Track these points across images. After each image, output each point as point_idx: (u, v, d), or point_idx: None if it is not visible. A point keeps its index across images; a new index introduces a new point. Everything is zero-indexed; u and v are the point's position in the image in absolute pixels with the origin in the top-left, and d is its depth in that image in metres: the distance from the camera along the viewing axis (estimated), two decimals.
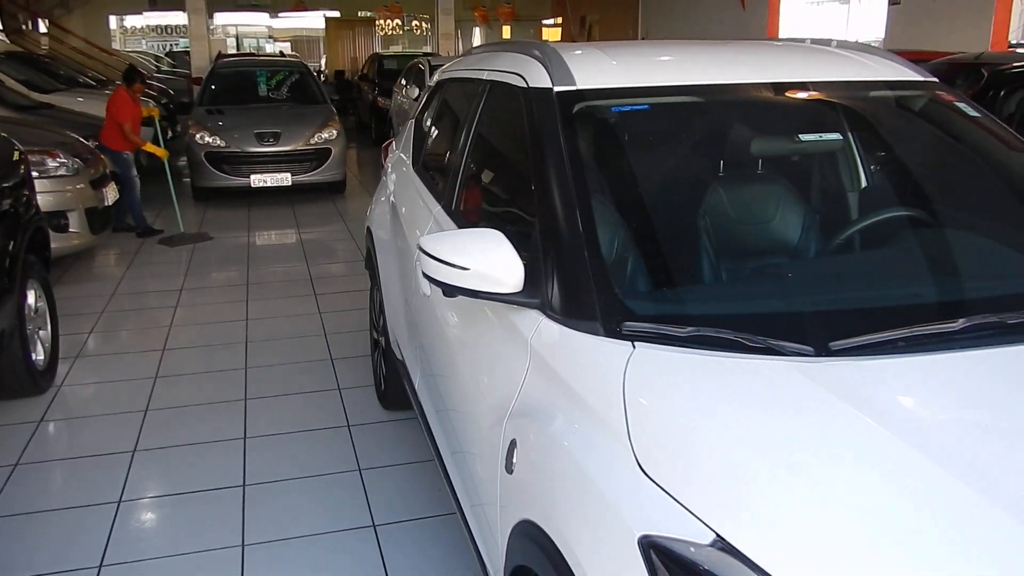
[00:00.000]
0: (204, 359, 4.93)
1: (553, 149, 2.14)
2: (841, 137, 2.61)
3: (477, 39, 28.83)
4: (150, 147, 8.03)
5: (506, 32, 27.63)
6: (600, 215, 2.02)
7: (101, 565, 2.95)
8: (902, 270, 2.12)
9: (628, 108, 2.34)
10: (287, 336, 5.27)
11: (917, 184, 2.49)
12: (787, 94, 2.44)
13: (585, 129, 2.30)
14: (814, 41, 2.93)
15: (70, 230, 6.39)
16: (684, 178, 2.40)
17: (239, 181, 9.38)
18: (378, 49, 23.51)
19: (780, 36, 15.82)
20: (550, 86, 2.34)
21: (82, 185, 6.56)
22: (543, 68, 2.43)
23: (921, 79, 2.59)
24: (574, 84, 2.34)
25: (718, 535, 1.29)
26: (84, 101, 10.83)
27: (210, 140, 9.37)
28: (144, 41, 34.95)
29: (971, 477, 1.31)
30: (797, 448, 1.41)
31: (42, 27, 24.28)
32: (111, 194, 7.03)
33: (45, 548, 3.06)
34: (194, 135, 9.46)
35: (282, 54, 18.09)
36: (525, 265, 1.94)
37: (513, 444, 1.83)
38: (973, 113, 2.51)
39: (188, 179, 9.96)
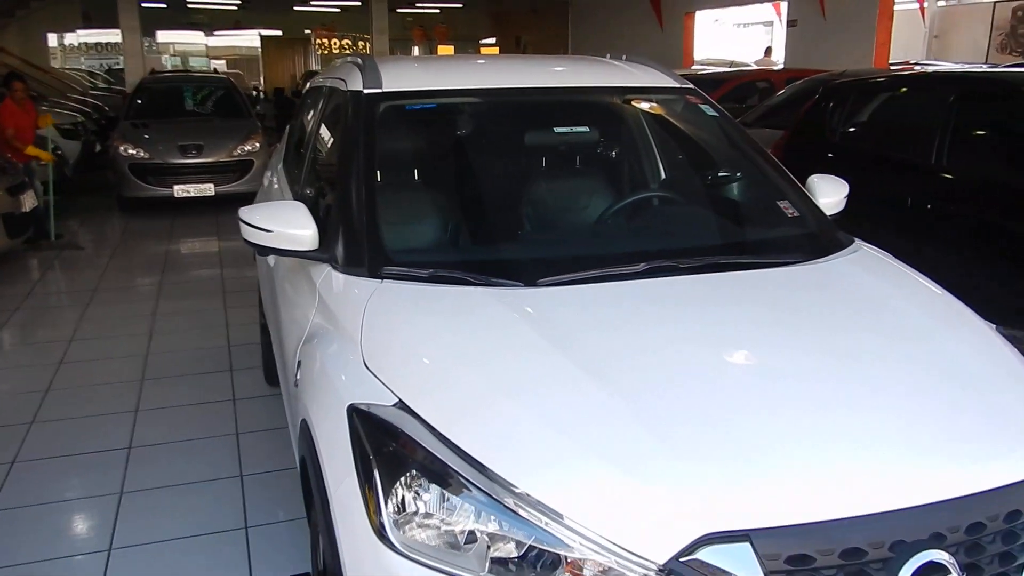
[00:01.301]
0: (106, 351, 5.33)
1: (352, 139, 2.67)
2: (589, 129, 3.17)
3: None
4: (33, 150, 7.98)
5: (443, 51, 28.24)
6: (383, 190, 2.54)
7: None
8: (617, 232, 2.69)
9: (419, 106, 2.87)
10: (191, 328, 5.69)
11: (650, 165, 3.07)
12: (554, 96, 3.00)
13: (388, 123, 2.82)
14: (612, 57, 3.51)
15: None
16: (459, 161, 2.95)
17: (163, 192, 9.74)
18: (315, 67, 23.92)
19: (694, 54, 16.66)
20: (361, 89, 2.86)
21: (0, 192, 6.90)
22: (359, 74, 2.95)
23: (677, 86, 3.16)
24: (381, 87, 2.86)
25: (400, 399, 1.81)
26: None
27: (134, 152, 9.72)
28: (83, 59, 34.78)
29: (585, 362, 1.84)
30: (464, 341, 1.94)
31: None
32: (29, 201, 7.37)
33: None
34: (118, 147, 9.80)
35: (215, 71, 18.41)
36: (320, 230, 2.44)
37: (299, 364, 2.33)
38: (713, 113, 3.09)
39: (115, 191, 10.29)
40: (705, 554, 1.47)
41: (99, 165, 11.72)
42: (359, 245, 2.35)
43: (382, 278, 2.23)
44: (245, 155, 10.07)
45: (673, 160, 3.14)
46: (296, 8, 23.06)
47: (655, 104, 3.20)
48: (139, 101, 11.09)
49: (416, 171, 2.77)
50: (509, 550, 1.56)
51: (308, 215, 2.45)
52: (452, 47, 28.98)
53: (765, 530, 1.48)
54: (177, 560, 3.04)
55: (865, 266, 2.49)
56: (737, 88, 9.78)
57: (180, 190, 9.73)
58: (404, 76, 3.00)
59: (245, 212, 2.50)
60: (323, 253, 2.43)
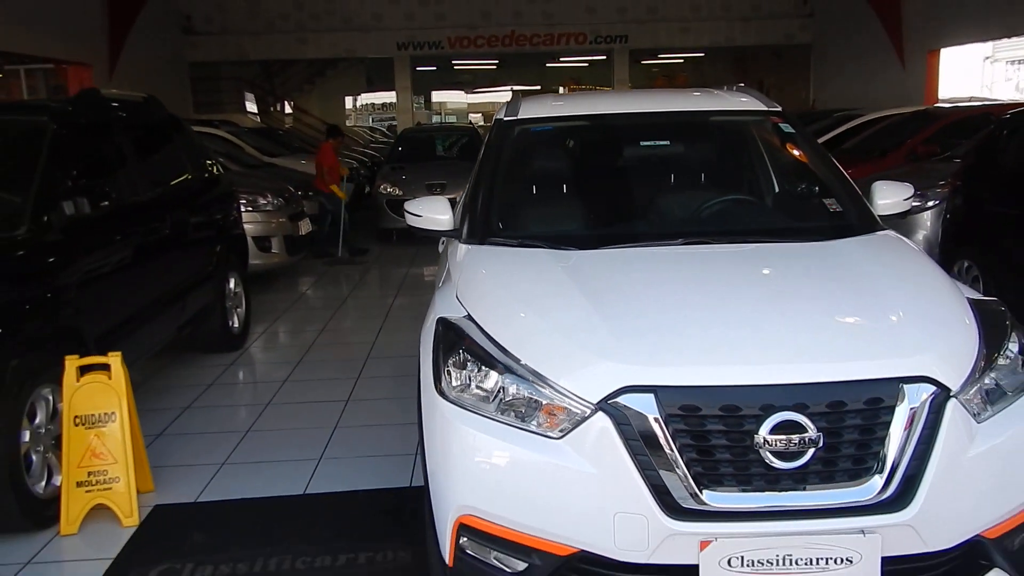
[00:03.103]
0: (344, 345, 6.72)
1: (486, 152, 3.65)
2: (669, 143, 3.90)
3: None
4: (334, 188, 10.40)
5: None
6: (502, 188, 3.48)
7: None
8: (668, 218, 3.43)
9: (541, 128, 3.81)
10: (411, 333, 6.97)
11: (722, 171, 3.74)
12: (645, 119, 3.80)
13: (517, 141, 3.76)
14: (728, 88, 4.22)
15: (272, 251, 8.52)
16: (561, 167, 3.83)
17: None
18: None
19: (940, 93, 16.09)
20: (503, 117, 3.84)
21: (283, 219, 8.72)
22: (506, 107, 3.94)
23: (764, 109, 3.82)
24: (517, 115, 3.83)
25: (468, 313, 2.71)
26: (305, 163, 13.47)
27: (391, 190, 11.49)
28: (371, 118, 39.41)
29: (590, 293, 2.63)
30: (517, 281, 2.81)
31: (287, 108, 28.81)
32: (304, 227, 9.17)
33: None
34: (379, 186, 11.64)
35: (470, 123, 20.54)
36: (455, 216, 3.43)
37: (431, 304, 3.30)
38: (790, 130, 3.71)
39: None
40: (623, 399, 2.21)
41: (366, 205, 13.81)
42: (474, 223, 3.30)
43: (484, 244, 3.16)
44: None
45: (744, 165, 3.80)
46: (548, 65, 25.00)
47: (739, 122, 3.87)
48: (400, 148, 13.01)
49: (530, 175, 3.69)
50: (513, 400, 2.39)
51: (447, 206, 3.45)
52: None
53: (665, 387, 2.20)
54: None
55: (866, 243, 3.04)
56: (948, 127, 9.53)
57: None
58: (537, 107, 3.94)
59: (408, 205, 3.54)
60: (455, 231, 3.41)
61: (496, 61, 23.95)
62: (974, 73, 21.75)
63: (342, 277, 9.51)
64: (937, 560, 2.24)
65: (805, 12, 20.56)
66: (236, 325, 6.44)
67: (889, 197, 3.44)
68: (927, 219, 7.27)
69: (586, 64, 24.71)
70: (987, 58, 23.41)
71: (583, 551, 2.22)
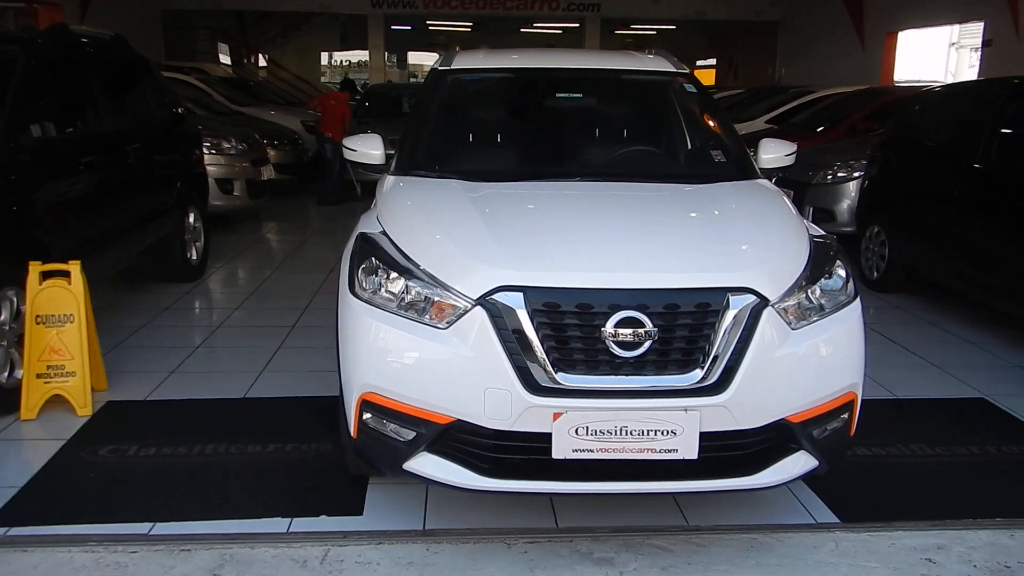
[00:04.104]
0: (296, 282, 7.14)
1: (421, 98, 4.07)
2: (582, 96, 4.35)
3: None
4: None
5: None
6: (429, 128, 3.91)
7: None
8: (575, 159, 3.90)
9: (470, 78, 4.24)
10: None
11: (625, 125, 4.20)
12: (561, 74, 4.26)
13: (449, 88, 4.19)
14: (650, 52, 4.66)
15: (234, 193, 8.87)
16: (483, 112, 4.29)
17: (374, 177, 11.80)
18: None
19: (897, 74, 16.62)
20: (439, 67, 4.26)
21: (246, 163, 9.06)
22: (442, 57, 4.36)
23: (672, 70, 4.26)
24: (451, 65, 4.24)
25: (384, 230, 3.14)
26: (274, 114, 13.74)
27: None
28: (347, 75, 39.24)
29: (486, 215, 3.08)
30: (428, 205, 3.27)
31: (261, 61, 28.79)
32: (267, 172, 9.52)
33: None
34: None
35: None
36: (387, 152, 3.85)
37: (356, 225, 3.72)
38: (693, 90, 4.17)
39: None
40: (498, 296, 2.66)
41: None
42: (402, 158, 3.73)
43: (408, 176, 3.59)
44: None
45: (647, 118, 4.27)
46: (523, 30, 25.21)
47: (647, 81, 4.32)
48: (367, 104, 13.31)
49: (456, 118, 4.14)
50: (412, 300, 2.83)
51: (380, 142, 3.87)
52: None
53: (532, 287, 2.66)
54: None
55: (737, 188, 3.53)
56: (887, 106, 10.07)
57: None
58: (470, 59, 4.36)
59: (347, 140, 3.95)
60: (386, 165, 3.83)
61: (471, 24, 24.14)
62: (939, 58, 22.31)
63: (304, 221, 9.89)
64: (751, 439, 2.73)
65: None
66: (194, 257, 6.81)
67: (772, 152, 3.90)
68: (851, 188, 7.79)
69: (560, 32, 24.96)
70: (952, 44, 23.98)
71: (459, 420, 2.69)
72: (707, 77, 28.19)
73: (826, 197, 7.95)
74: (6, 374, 4.00)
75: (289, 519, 3.18)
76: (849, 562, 2.97)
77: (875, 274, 6.75)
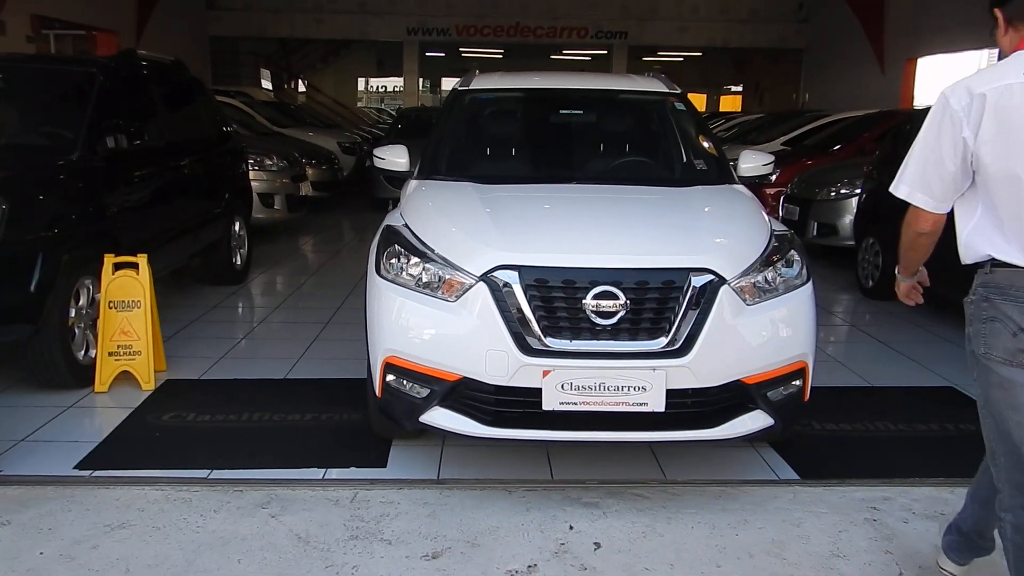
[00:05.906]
0: (331, 285, 7.75)
1: (441, 113, 4.65)
2: (583, 113, 4.91)
3: None
4: None
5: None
6: (448, 140, 4.49)
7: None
8: (574, 168, 4.44)
9: (486, 96, 4.84)
10: None
11: (620, 138, 4.75)
12: (564, 94, 4.84)
13: (468, 105, 4.78)
14: (649, 73, 5.22)
15: (275, 207, 9.55)
16: (498, 126, 4.87)
17: None
18: None
19: (915, 94, 16.99)
20: (459, 87, 4.85)
21: (286, 179, 9.75)
22: (463, 78, 4.95)
23: (665, 91, 4.81)
24: (470, 86, 4.83)
25: (406, 223, 3.71)
26: (312, 135, 14.51)
27: None
28: (384, 102, 40.33)
29: (492, 211, 3.64)
30: (443, 203, 3.84)
31: (301, 86, 29.85)
32: (305, 188, 10.21)
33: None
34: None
35: None
36: (412, 159, 4.44)
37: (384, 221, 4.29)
38: (682, 108, 4.71)
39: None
40: (497, 273, 3.21)
41: (367, 177, 14.81)
42: (424, 164, 4.32)
43: (428, 179, 4.17)
44: None
45: (639, 132, 4.83)
46: (552, 57, 25.96)
47: (642, 100, 4.88)
48: (399, 126, 14.02)
49: (473, 131, 4.74)
50: (428, 280, 3.38)
51: (405, 152, 4.45)
52: (703, 95, 30.70)
53: (526, 266, 3.20)
54: None
55: (713, 191, 4.07)
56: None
57: None
58: (487, 80, 4.96)
59: (376, 150, 4.55)
60: (409, 171, 4.41)
61: (502, 51, 24.92)
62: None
63: (339, 234, 10.54)
64: (711, 396, 3.23)
65: (800, 18, 21.50)
66: (239, 263, 7.46)
67: (751, 162, 4.41)
68: (854, 205, 8.23)
69: (588, 58, 25.64)
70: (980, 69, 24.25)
71: (465, 377, 3.23)
72: (734, 103, 28.75)
73: (829, 213, 8.41)
74: (83, 353, 4.62)
75: (324, 469, 3.73)
76: (803, 509, 3.44)
77: (870, 282, 7.19)
